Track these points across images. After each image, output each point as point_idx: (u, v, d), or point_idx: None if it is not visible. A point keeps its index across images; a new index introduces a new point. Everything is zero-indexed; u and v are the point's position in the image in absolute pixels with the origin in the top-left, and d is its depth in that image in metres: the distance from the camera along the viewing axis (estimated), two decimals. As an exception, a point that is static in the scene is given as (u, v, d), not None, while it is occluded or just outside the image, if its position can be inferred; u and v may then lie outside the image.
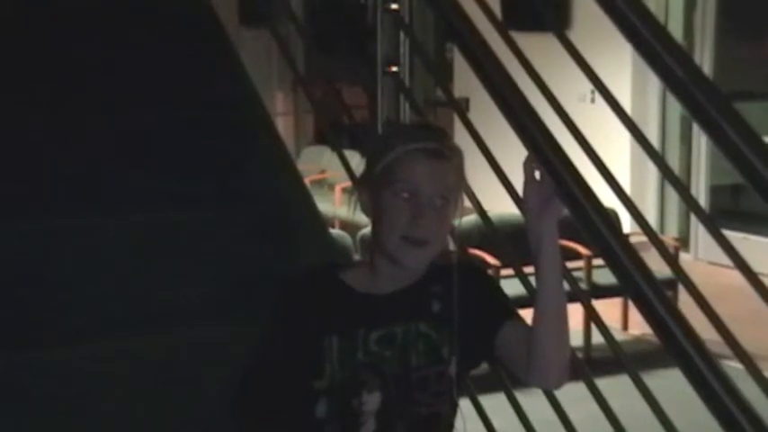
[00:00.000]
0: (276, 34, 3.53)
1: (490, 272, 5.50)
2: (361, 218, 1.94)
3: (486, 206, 2.80)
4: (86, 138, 2.90)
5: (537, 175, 1.76)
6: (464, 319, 1.78)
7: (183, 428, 2.48)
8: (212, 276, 2.72)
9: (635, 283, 1.86)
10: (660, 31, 1.92)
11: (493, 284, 1.90)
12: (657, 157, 2.74)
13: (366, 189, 1.82)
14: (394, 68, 2.89)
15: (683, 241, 8.45)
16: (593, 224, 1.90)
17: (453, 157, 1.79)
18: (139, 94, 3.02)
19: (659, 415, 2.45)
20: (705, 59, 8.51)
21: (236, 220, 2.84)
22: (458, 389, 1.83)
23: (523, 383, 1.81)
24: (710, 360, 1.74)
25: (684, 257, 8.10)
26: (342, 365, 1.77)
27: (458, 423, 1.86)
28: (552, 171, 1.84)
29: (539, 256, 1.73)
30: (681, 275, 2.55)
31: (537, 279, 1.74)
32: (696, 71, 1.90)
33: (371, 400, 1.77)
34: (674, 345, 1.78)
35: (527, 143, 2.06)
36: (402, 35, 2.91)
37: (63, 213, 2.73)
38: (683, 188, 2.96)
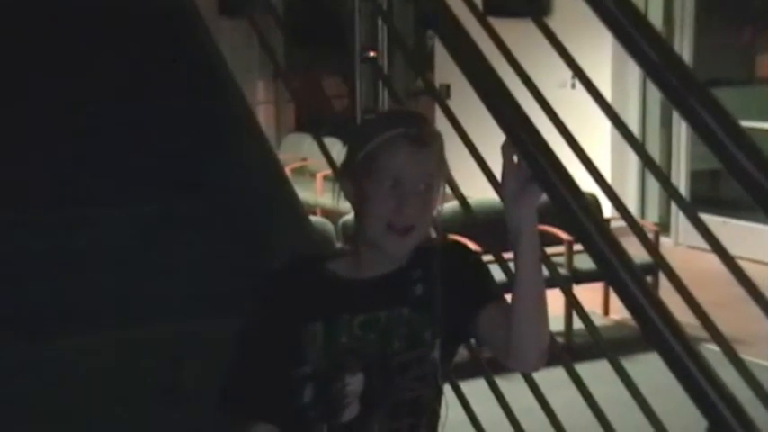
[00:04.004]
0: (255, 25, 3.51)
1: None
2: (344, 205, 1.94)
3: (467, 192, 2.80)
4: (64, 129, 2.88)
5: (515, 159, 1.76)
6: (447, 299, 1.79)
7: (164, 424, 2.48)
8: (192, 268, 2.71)
9: (613, 269, 1.86)
10: (639, 18, 1.93)
11: (478, 264, 1.89)
12: (637, 145, 2.75)
13: (348, 177, 1.82)
14: (371, 54, 2.88)
15: (664, 226, 8.48)
16: (570, 209, 1.91)
17: (434, 143, 1.79)
18: (115, 86, 3.01)
19: (639, 400, 2.46)
20: (685, 46, 8.53)
21: (216, 210, 2.84)
22: (442, 373, 1.83)
23: (504, 369, 1.81)
24: (688, 344, 1.75)
25: (665, 242, 8.13)
26: (326, 351, 1.78)
27: (440, 410, 1.87)
28: (530, 156, 1.84)
29: (517, 241, 1.73)
30: (659, 260, 2.56)
31: (516, 263, 1.75)
32: (674, 57, 1.90)
33: (354, 382, 1.77)
34: (652, 330, 1.78)
35: (506, 129, 2.06)
36: (380, 22, 2.91)
37: (38, 206, 2.72)
38: (662, 176, 2.97)
